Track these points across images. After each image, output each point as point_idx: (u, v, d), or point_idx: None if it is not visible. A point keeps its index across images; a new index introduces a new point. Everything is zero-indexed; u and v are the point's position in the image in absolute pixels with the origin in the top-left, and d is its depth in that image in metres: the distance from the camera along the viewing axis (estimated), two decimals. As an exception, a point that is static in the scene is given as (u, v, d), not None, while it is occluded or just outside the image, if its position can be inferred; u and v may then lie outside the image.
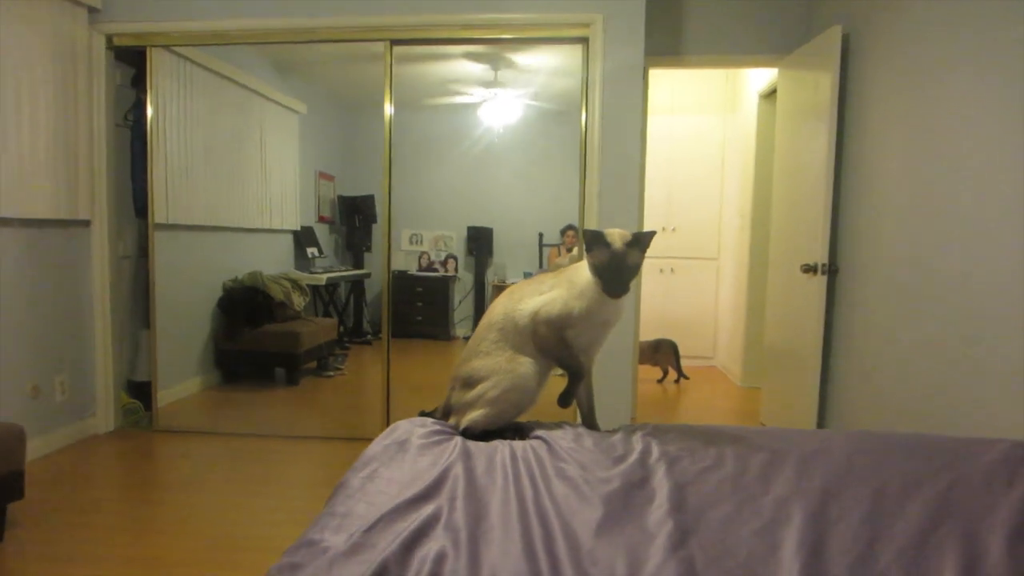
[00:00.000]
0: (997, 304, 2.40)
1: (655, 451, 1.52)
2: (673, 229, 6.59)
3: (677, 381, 5.88)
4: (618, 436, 1.63)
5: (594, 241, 1.68)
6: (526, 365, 1.75)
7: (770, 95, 5.29)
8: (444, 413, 1.82)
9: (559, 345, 1.75)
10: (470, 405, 1.73)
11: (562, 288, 1.75)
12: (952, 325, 2.67)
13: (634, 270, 1.68)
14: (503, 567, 1.05)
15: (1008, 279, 2.35)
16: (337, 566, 1.04)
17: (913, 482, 1.34)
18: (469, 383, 1.76)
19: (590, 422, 1.86)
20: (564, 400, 1.77)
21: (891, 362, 3.15)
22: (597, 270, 1.67)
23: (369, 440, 1.61)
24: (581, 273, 1.75)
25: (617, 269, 1.65)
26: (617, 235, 1.69)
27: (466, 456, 1.46)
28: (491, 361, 1.74)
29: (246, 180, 5.11)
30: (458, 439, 1.62)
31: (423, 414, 1.87)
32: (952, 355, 2.67)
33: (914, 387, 2.95)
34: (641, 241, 1.69)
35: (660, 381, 5.85)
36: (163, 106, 4.27)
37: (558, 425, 1.80)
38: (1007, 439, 1.60)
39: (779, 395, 4.31)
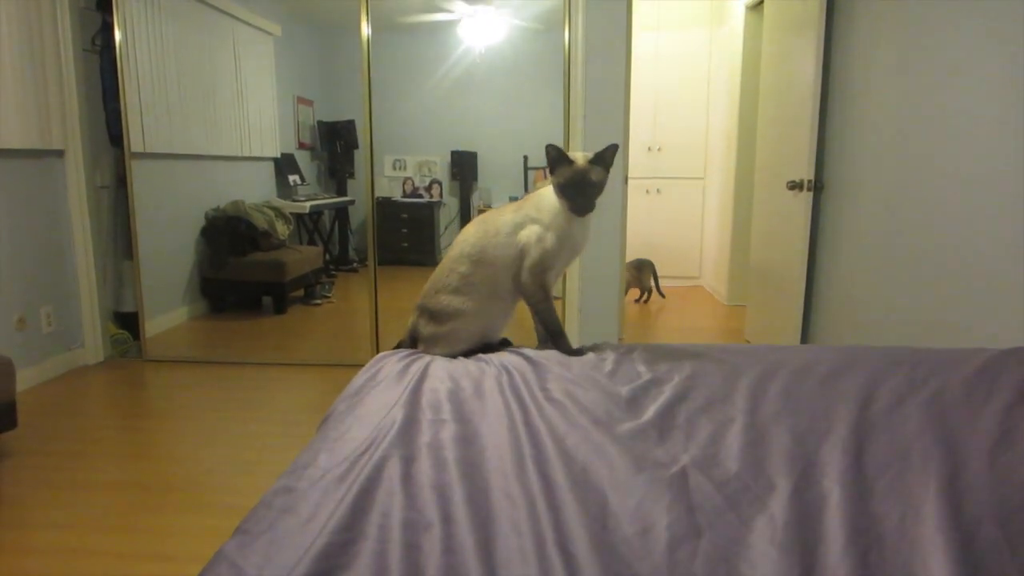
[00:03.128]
0: (983, 220, 2.41)
1: (641, 371, 1.54)
2: (659, 149, 6.53)
3: (661, 296, 6.01)
4: (606, 359, 1.63)
5: (557, 160, 1.67)
6: (495, 312, 1.77)
7: (757, 6, 5.16)
8: (411, 341, 1.82)
9: (544, 300, 1.74)
10: (436, 342, 1.73)
11: (530, 224, 1.72)
12: (937, 241, 2.69)
13: (599, 186, 1.67)
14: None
15: (995, 196, 2.35)
16: (330, 488, 1.06)
17: (897, 395, 1.36)
18: (436, 317, 1.74)
19: (560, 344, 1.77)
20: (561, 352, 1.72)
21: (875, 279, 3.19)
22: (562, 188, 1.67)
23: (359, 366, 1.62)
24: (545, 200, 1.73)
25: (581, 185, 1.65)
26: (580, 155, 1.69)
27: (453, 379, 1.48)
28: (459, 301, 1.72)
29: (222, 106, 4.98)
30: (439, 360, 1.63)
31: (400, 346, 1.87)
32: (936, 271, 2.69)
33: (897, 303, 2.99)
34: (604, 157, 1.68)
35: (640, 301, 5.93)
36: (132, 29, 4.11)
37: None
38: (988, 349, 1.62)
39: (764, 313, 4.36)
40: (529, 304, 1.77)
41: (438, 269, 1.80)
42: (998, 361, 1.52)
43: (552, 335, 1.76)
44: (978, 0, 2.44)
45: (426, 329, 1.77)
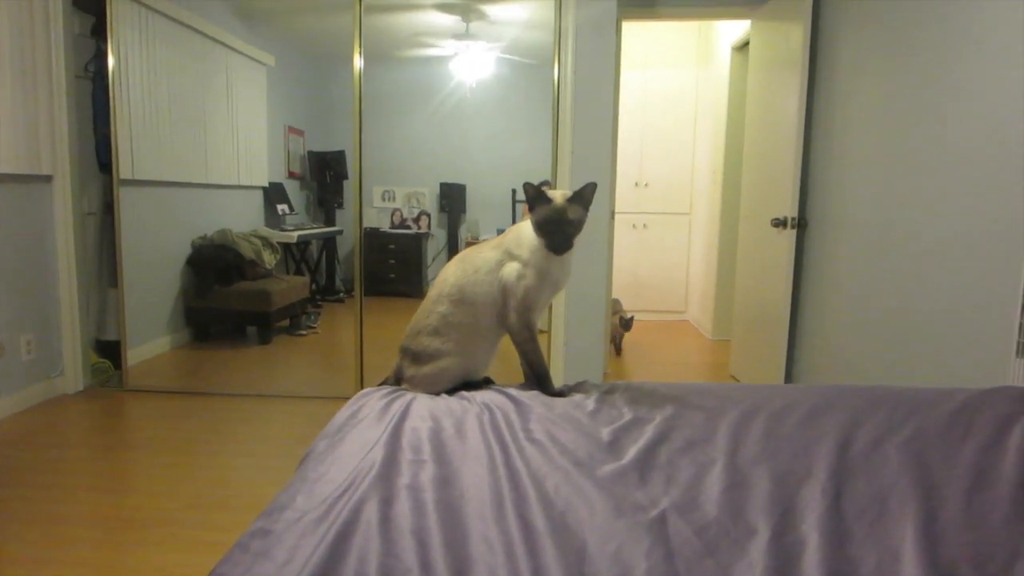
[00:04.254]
0: (966, 258, 2.44)
1: (623, 411, 1.54)
2: (646, 184, 6.60)
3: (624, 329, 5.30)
4: (588, 399, 1.63)
5: (535, 198, 1.67)
6: (476, 352, 1.76)
7: (743, 48, 5.26)
8: (396, 381, 1.81)
9: (531, 340, 1.74)
10: (418, 383, 1.72)
11: (509, 261, 1.72)
12: (919, 279, 2.72)
13: (576, 225, 1.67)
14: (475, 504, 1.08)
15: (977, 234, 2.39)
16: (307, 531, 1.05)
17: (875, 436, 1.37)
18: (418, 359, 1.73)
19: (544, 386, 1.76)
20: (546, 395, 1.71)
21: (858, 315, 3.21)
22: (539, 226, 1.66)
23: (343, 399, 1.61)
24: (524, 236, 1.72)
25: (558, 223, 1.65)
26: (559, 193, 1.69)
27: (434, 418, 1.47)
28: (439, 342, 1.71)
29: (213, 134, 5.00)
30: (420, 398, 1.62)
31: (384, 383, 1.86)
32: (917, 308, 2.72)
33: (880, 340, 3.01)
34: (583, 195, 1.68)
35: (614, 344, 5.29)
36: (125, 57, 4.14)
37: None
38: (967, 389, 1.64)
39: (748, 348, 4.38)
40: (515, 343, 1.76)
41: (419, 310, 1.80)
42: (975, 401, 1.54)
43: (537, 376, 1.75)
44: (963, 39, 2.50)
45: (409, 370, 1.76)
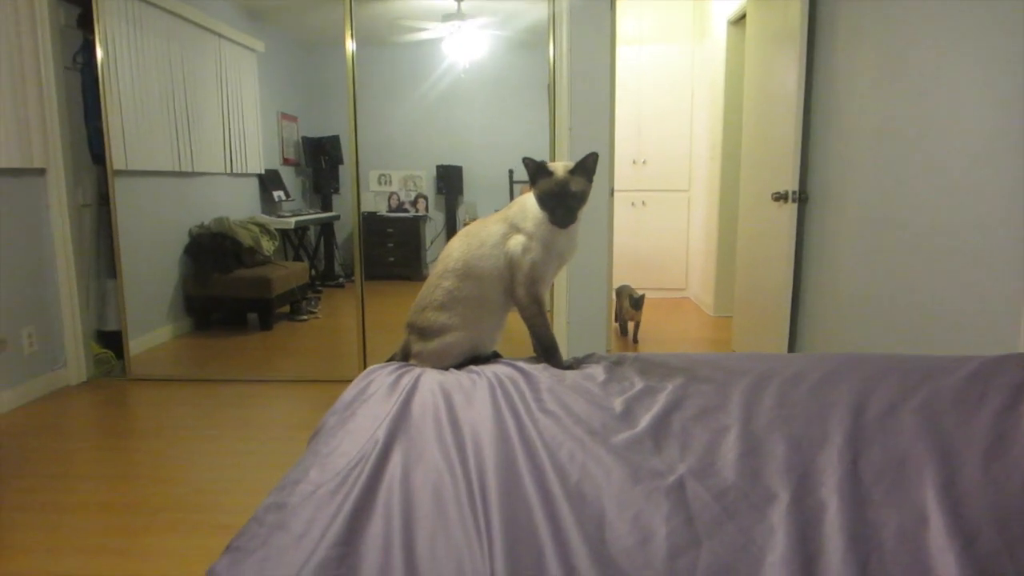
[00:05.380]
0: (969, 229, 2.43)
1: (634, 380, 1.53)
2: (644, 161, 6.57)
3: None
4: (598, 370, 1.62)
5: (537, 171, 1.65)
6: (483, 326, 1.75)
7: (739, 21, 5.22)
8: (403, 356, 1.80)
9: (539, 314, 1.73)
10: (426, 358, 1.71)
11: (515, 234, 1.71)
12: (922, 251, 2.71)
13: (580, 197, 1.65)
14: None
15: (980, 204, 2.37)
16: (323, 503, 1.04)
17: (889, 402, 1.36)
18: (424, 334, 1.73)
19: (553, 360, 1.74)
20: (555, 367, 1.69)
21: (861, 289, 3.20)
22: (541, 200, 1.65)
23: (346, 382, 1.60)
24: (529, 209, 1.71)
25: (561, 196, 1.63)
26: (560, 165, 1.67)
27: (444, 391, 1.46)
28: (445, 317, 1.70)
29: (206, 123, 4.96)
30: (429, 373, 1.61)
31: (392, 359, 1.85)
32: (921, 281, 2.71)
33: (883, 313, 3.00)
34: (585, 166, 1.66)
35: (629, 332, 5.15)
36: (113, 47, 4.09)
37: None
38: (979, 356, 1.63)
39: (751, 323, 4.38)
40: (524, 318, 1.75)
41: (425, 285, 1.78)
42: (989, 367, 1.53)
43: (545, 350, 1.74)
44: (960, 9, 2.48)
45: (416, 346, 1.75)
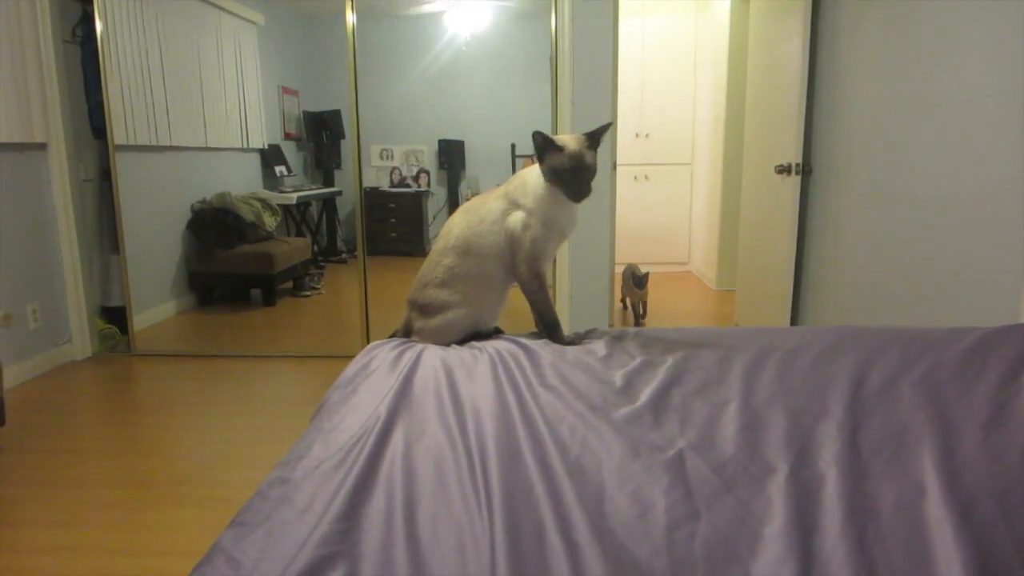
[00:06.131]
0: (972, 201, 2.42)
1: (634, 354, 1.54)
2: (646, 135, 6.52)
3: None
4: (599, 345, 1.62)
5: (545, 146, 1.62)
6: (484, 302, 1.74)
7: (744, -8, 5.15)
8: (405, 333, 1.80)
9: (540, 289, 1.72)
10: (427, 335, 1.71)
11: (514, 210, 1.70)
12: (925, 223, 2.70)
13: (594, 169, 1.63)
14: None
15: (983, 176, 2.36)
16: (326, 479, 1.05)
17: (890, 374, 1.36)
18: (425, 311, 1.73)
19: (555, 335, 1.74)
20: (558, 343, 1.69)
21: (864, 261, 3.20)
22: (557, 175, 1.61)
23: (349, 358, 1.61)
24: (530, 184, 1.68)
25: (579, 170, 1.60)
26: (570, 138, 1.64)
27: (446, 367, 1.47)
28: (446, 294, 1.70)
29: (207, 97, 4.93)
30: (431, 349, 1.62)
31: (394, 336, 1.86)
32: (925, 253, 2.71)
33: (886, 286, 3.00)
34: (596, 138, 1.65)
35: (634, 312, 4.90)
36: (112, 19, 4.06)
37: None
38: (980, 328, 1.63)
39: (753, 297, 4.38)
40: (525, 293, 1.75)
41: (426, 262, 1.78)
42: (990, 338, 1.53)
43: (547, 326, 1.74)
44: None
45: (418, 323, 1.76)
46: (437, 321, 1.71)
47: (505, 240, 1.70)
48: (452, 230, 1.74)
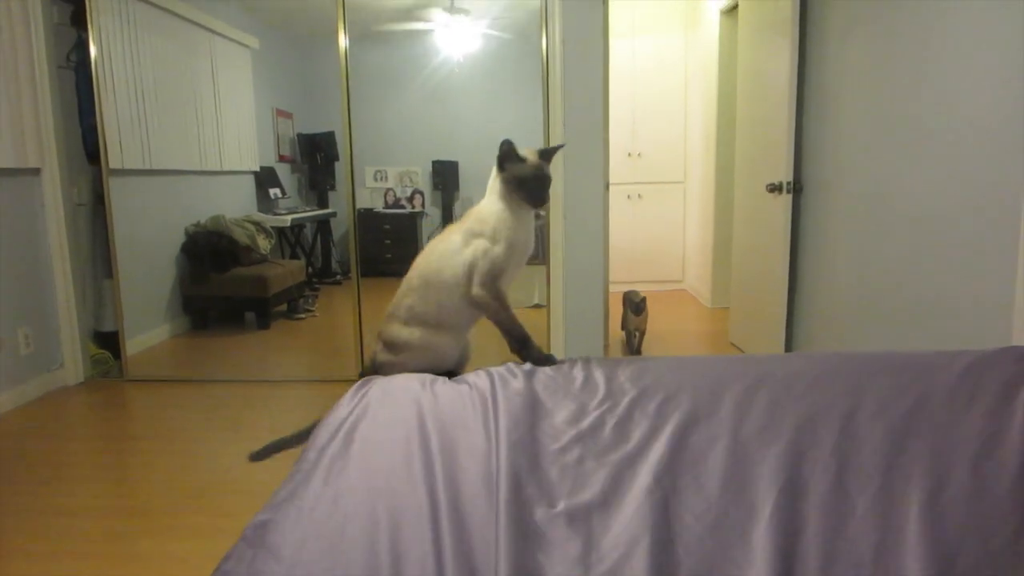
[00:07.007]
0: (964, 218, 2.43)
1: (626, 388, 1.52)
2: (638, 154, 6.55)
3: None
4: (577, 372, 1.60)
5: (509, 155, 1.71)
6: (442, 345, 1.79)
7: (731, 11, 5.19)
8: (372, 370, 1.82)
9: (502, 308, 1.75)
10: (387, 371, 1.75)
11: (474, 239, 1.73)
12: (917, 240, 2.71)
13: (550, 180, 1.75)
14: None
15: (975, 194, 2.37)
16: (313, 522, 1.04)
17: (880, 404, 1.35)
18: (389, 346, 1.79)
19: (529, 352, 1.73)
20: (531, 360, 1.70)
21: (857, 278, 3.21)
22: (521, 182, 1.70)
23: (344, 382, 1.60)
24: (485, 211, 1.75)
25: (541, 179, 1.71)
26: (528, 151, 1.74)
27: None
28: (407, 333, 1.76)
29: (201, 120, 4.95)
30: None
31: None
32: (917, 270, 2.72)
33: (880, 303, 3.01)
34: (549, 154, 1.77)
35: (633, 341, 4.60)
36: (107, 45, 4.08)
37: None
38: (972, 351, 1.62)
39: (748, 315, 4.38)
40: (488, 316, 1.76)
41: (396, 293, 1.82)
42: (980, 363, 1.52)
43: (517, 342, 1.74)
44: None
45: (381, 356, 1.80)
46: (399, 359, 1.77)
47: (465, 271, 1.73)
48: (415, 267, 1.79)
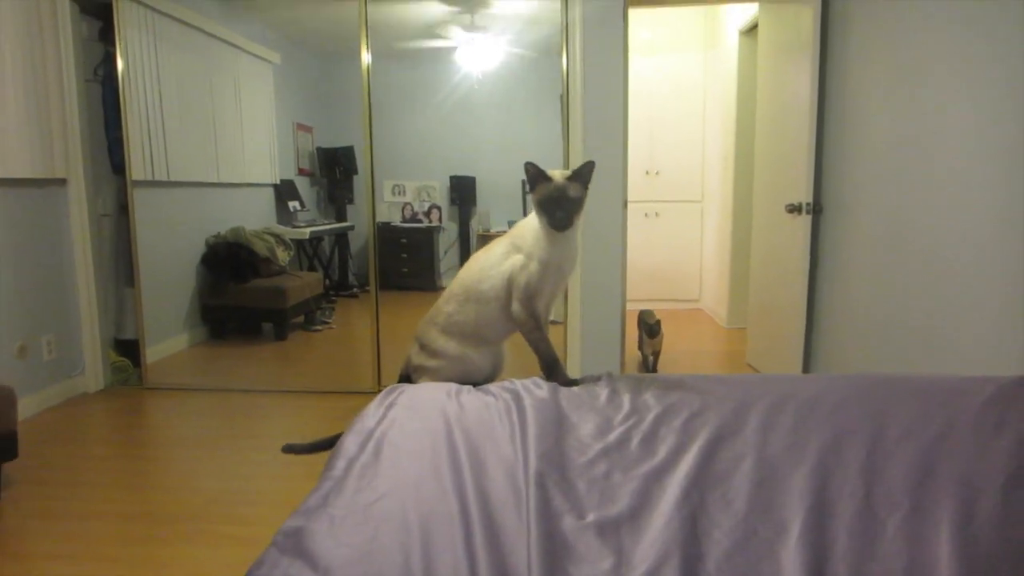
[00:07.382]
0: (984, 240, 2.42)
1: (651, 404, 1.53)
2: (657, 173, 6.57)
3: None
4: (606, 391, 1.61)
5: (536, 177, 1.71)
6: (476, 358, 1.82)
7: (751, 31, 5.21)
8: (406, 372, 1.85)
9: (536, 328, 1.77)
10: (422, 374, 1.82)
11: (514, 253, 1.77)
12: (937, 262, 2.70)
13: (577, 203, 1.71)
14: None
15: (995, 215, 2.36)
16: (344, 530, 1.05)
17: (907, 428, 1.34)
18: (425, 350, 1.84)
19: (556, 375, 1.75)
20: (557, 383, 1.70)
21: (877, 301, 3.19)
22: (541, 204, 1.70)
23: (361, 393, 1.62)
24: (526, 228, 1.78)
25: (559, 200, 1.68)
26: (558, 172, 1.74)
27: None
28: (443, 340, 1.81)
29: (223, 134, 5.01)
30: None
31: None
32: (937, 292, 2.70)
33: (899, 325, 2.99)
34: (582, 174, 1.72)
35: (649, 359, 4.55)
36: (133, 59, 4.15)
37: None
38: (1000, 377, 1.61)
39: (765, 336, 4.36)
40: (522, 333, 1.80)
41: (438, 300, 1.86)
42: (1006, 391, 1.51)
43: (546, 364, 1.77)
44: (976, 19, 2.47)
45: (417, 358, 1.84)
46: (435, 364, 1.81)
47: (502, 284, 1.75)
48: (459, 276, 1.84)
